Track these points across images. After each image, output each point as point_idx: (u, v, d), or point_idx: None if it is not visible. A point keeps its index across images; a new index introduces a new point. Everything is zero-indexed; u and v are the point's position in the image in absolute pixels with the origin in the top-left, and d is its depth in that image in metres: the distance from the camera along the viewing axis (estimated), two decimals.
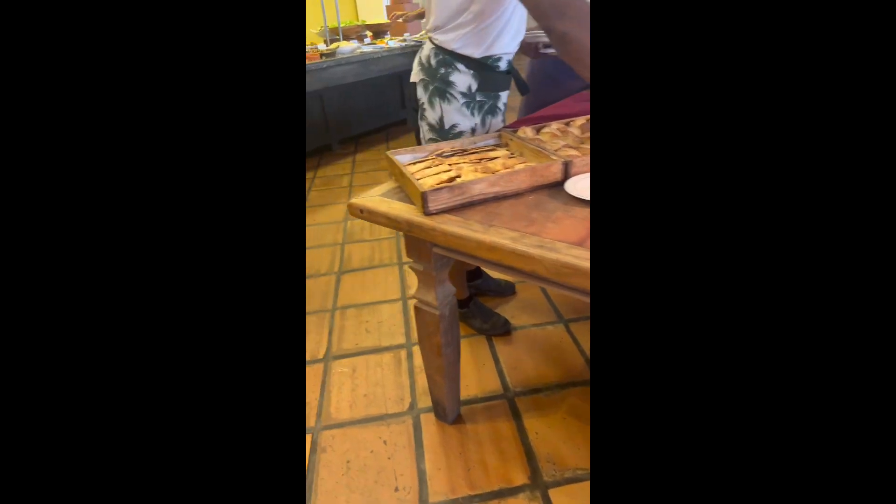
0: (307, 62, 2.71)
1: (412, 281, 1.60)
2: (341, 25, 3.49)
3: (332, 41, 3.39)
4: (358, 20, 4.38)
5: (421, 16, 3.15)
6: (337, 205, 2.31)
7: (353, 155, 3.09)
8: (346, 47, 3.02)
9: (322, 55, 2.84)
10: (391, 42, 3.34)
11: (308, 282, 1.65)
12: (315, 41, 3.80)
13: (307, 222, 2.15)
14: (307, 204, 2.35)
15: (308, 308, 1.50)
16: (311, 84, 2.71)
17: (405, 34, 3.97)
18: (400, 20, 3.40)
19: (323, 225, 2.10)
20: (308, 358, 1.28)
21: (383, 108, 3.53)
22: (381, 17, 5.32)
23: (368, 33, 3.77)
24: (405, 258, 1.74)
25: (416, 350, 1.26)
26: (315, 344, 1.33)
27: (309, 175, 2.77)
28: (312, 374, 1.22)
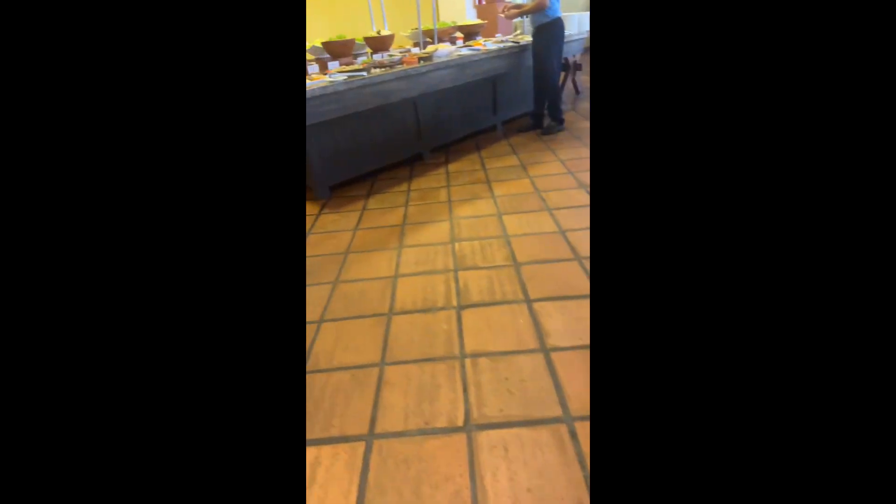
0: (406, 66, 2.54)
1: (549, 326, 1.34)
2: (429, 27, 3.33)
3: (416, 43, 3.23)
4: (439, 22, 4.22)
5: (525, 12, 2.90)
6: (439, 223, 2.11)
7: (445, 165, 2.89)
8: (443, 50, 2.83)
9: (420, 59, 2.67)
10: (487, 43, 3.12)
11: (425, 317, 1.45)
12: (404, 44, 3.67)
13: (409, 241, 1.96)
14: (406, 221, 2.17)
15: (432, 353, 1.29)
16: (409, 90, 2.54)
17: (497, 34, 3.74)
18: (502, 15, 3.16)
19: (429, 246, 1.90)
20: (445, 424, 1.06)
21: (474, 115, 3.31)
22: (463, 18, 5.14)
23: (459, 35, 3.58)
24: (533, 294, 1.49)
25: (580, 428, 1.01)
26: (450, 404, 1.12)
27: (402, 187, 2.60)
28: (454, 447, 1.00)
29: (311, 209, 2.42)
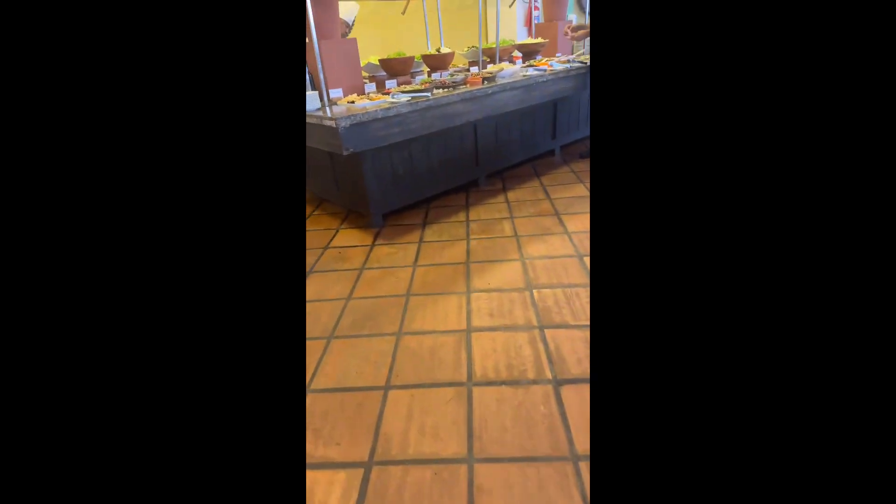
0: (469, 87, 2.34)
1: None
2: (486, 46, 3.13)
3: (471, 62, 3.03)
4: (486, 42, 4.03)
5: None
6: (509, 262, 1.87)
7: (504, 193, 2.66)
8: (507, 70, 2.62)
9: (483, 79, 2.46)
10: (553, 63, 2.90)
11: (516, 392, 1.19)
12: (457, 61, 3.49)
13: (478, 284, 1.72)
14: (470, 258, 1.94)
15: (534, 449, 1.03)
16: (473, 113, 2.33)
17: (557, 53, 3.52)
18: (567, 36, 2.94)
19: (502, 292, 1.65)
20: None
21: (533, 139, 3.08)
22: (513, 37, 4.96)
23: (516, 54, 3.38)
24: None
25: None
26: None
27: (459, 216, 2.37)
28: None
29: (364, 239, 2.21)
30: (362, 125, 1.91)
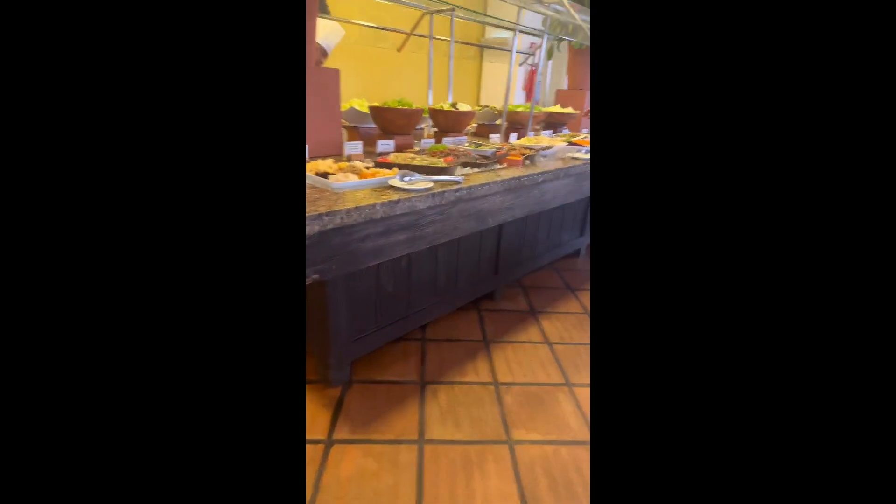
0: (507, 167, 1.51)
1: None
2: (518, 108, 2.37)
3: (479, 125, 2.26)
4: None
5: None
6: None
7: (534, 316, 1.79)
8: (554, 147, 1.84)
9: (524, 157, 1.65)
10: None
11: None
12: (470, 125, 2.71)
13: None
14: (526, 497, 1.01)
15: None
16: (513, 209, 1.48)
17: (583, 129, 2.85)
18: None
19: None
20: None
21: (560, 236, 2.29)
22: (510, 101, 4.35)
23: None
24: None
25: None
26: None
27: (479, 364, 1.46)
28: None
29: (315, 419, 1.22)
30: (344, 232, 0.98)
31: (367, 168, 1.28)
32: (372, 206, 0.99)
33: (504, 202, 1.43)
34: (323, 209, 0.91)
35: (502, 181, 1.36)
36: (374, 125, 1.95)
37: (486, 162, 1.52)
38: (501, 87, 4.55)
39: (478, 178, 1.34)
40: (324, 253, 0.95)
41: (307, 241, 0.91)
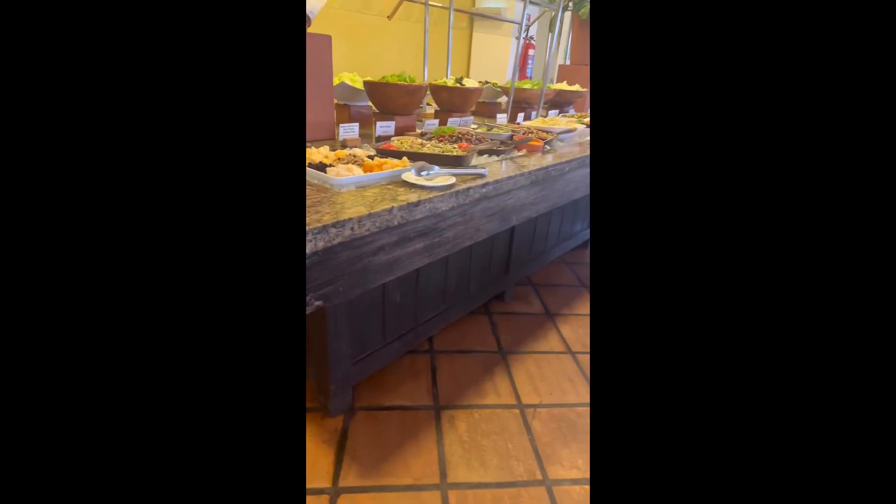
0: (528, 154, 1.31)
1: None
2: (527, 85, 2.14)
3: (513, 113, 2.03)
4: (531, 81, 3.04)
5: None
6: None
7: (551, 320, 1.62)
8: (573, 129, 1.64)
9: (544, 140, 1.44)
10: None
11: None
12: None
13: None
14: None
15: None
16: (538, 204, 1.29)
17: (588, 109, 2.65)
18: None
19: None
20: None
21: (571, 228, 2.12)
22: (502, 77, 4.09)
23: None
24: None
25: None
26: None
27: (499, 380, 1.28)
28: None
29: (316, 460, 1.02)
30: (353, 245, 0.77)
31: (371, 157, 1.06)
32: (388, 212, 0.78)
33: (528, 196, 1.23)
34: (328, 218, 0.69)
35: (529, 172, 1.16)
36: (366, 103, 1.70)
37: (505, 148, 1.31)
38: (494, 59, 4.28)
39: (497, 168, 1.13)
40: (329, 273, 0.74)
41: (307, 261, 0.69)
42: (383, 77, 1.45)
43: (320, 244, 0.68)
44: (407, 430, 1.11)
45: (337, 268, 0.75)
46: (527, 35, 3.99)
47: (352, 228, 0.72)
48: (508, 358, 1.42)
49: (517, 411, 1.20)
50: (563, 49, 4.15)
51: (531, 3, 3.44)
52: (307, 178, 0.90)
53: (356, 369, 1.16)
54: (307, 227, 0.65)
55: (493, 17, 3.38)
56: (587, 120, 2.06)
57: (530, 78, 4.29)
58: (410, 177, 0.93)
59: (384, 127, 1.38)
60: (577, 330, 1.60)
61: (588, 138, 1.73)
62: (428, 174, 0.93)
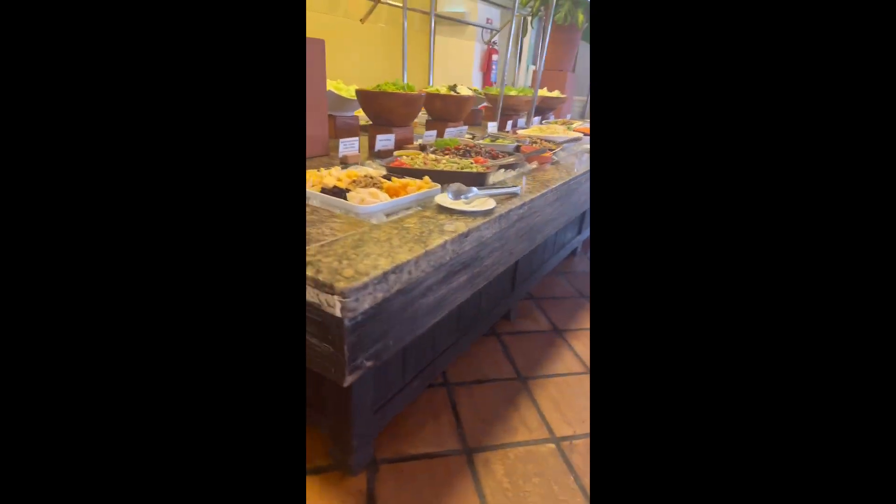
0: (538, 167, 1.24)
1: None
2: (515, 91, 2.05)
3: (502, 121, 1.94)
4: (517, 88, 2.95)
5: None
6: None
7: (562, 338, 1.55)
8: (572, 138, 1.59)
9: (551, 148, 1.37)
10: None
11: None
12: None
13: None
14: None
15: None
16: (558, 219, 1.21)
17: (567, 114, 2.64)
18: None
19: None
20: None
21: (564, 237, 2.07)
22: (468, 82, 4.03)
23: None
24: None
25: None
26: None
27: (529, 421, 1.19)
28: None
29: None
30: (405, 291, 0.64)
31: (386, 177, 0.93)
32: (442, 247, 0.66)
33: (552, 212, 1.15)
34: (385, 263, 0.56)
35: (556, 188, 1.07)
36: (352, 113, 1.56)
37: (517, 162, 1.22)
38: (457, 64, 4.20)
39: (519, 183, 1.04)
40: (381, 327, 0.61)
41: (359, 318, 0.56)
42: (378, 85, 1.32)
43: (379, 295, 0.55)
44: (440, 482, 0.99)
45: (388, 319, 0.62)
46: (490, 40, 3.96)
47: (409, 272, 0.60)
48: (529, 384, 1.33)
49: (553, 446, 1.11)
50: (526, 55, 4.15)
51: (496, 5, 3.40)
52: (325, 205, 0.76)
53: (378, 417, 1.02)
54: (364, 278, 0.53)
55: (457, 20, 3.31)
56: (575, 126, 2.03)
57: (495, 83, 4.27)
58: (446, 201, 0.81)
59: (384, 140, 1.25)
60: (588, 346, 1.54)
61: (585, 146, 1.68)
62: (467, 197, 0.82)
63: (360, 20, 2.15)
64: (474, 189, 0.84)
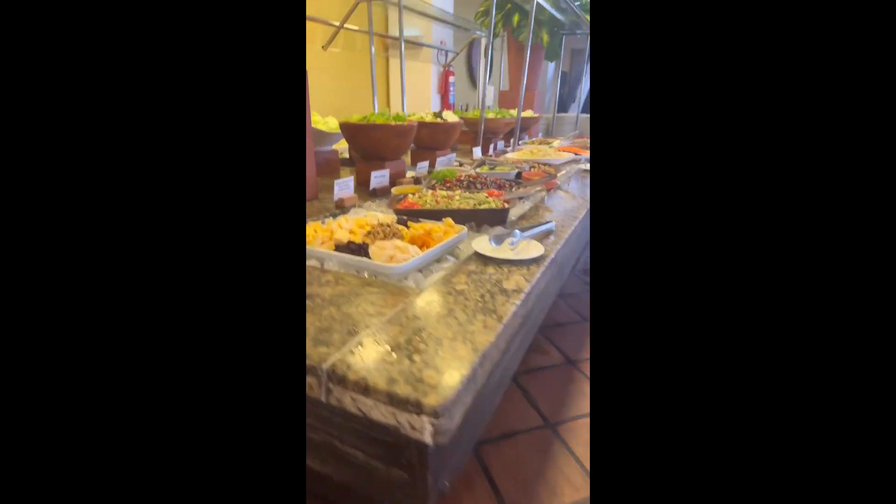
0: (547, 192, 1.15)
1: None
2: (490, 115, 1.97)
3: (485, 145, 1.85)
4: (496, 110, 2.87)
5: None
6: None
7: (581, 373, 1.45)
8: (571, 160, 1.52)
9: (551, 173, 1.28)
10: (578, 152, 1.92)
11: None
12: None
13: None
14: None
15: None
16: (574, 254, 1.11)
17: (538, 133, 2.62)
18: None
19: None
20: None
21: None
22: (427, 106, 3.97)
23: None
24: None
25: None
26: None
27: (568, 463, 1.06)
28: None
29: None
30: (475, 396, 0.50)
31: (400, 222, 0.80)
32: (514, 315, 0.53)
33: (575, 245, 1.05)
34: (465, 352, 0.43)
35: (582, 218, 0.98)
36: (331, 148, 1.41)
37: (525, 191, 1.12)
38: (415, 88, 4.13)
39: (540, 217, 0.94)
40: (459, 436, 0.47)
41: (437, 459, 0.42)
42: (366, 117, 1.19)
43: (468, 400, 0.41)
44: None
45: (466, 421, 0.48)
46: (448, 63, 3.93)
47: (491, 357, 0.46)
48: (559, 430, 1.21)
49: None
50: (484, 74, 4.14)
51: (452, 25, 3.36)
52: (346, 268, 0.62)
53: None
54: (453, 384, 0.39)
55: (414, 43, 3.25)
56: (556, 145, 1.98)
57: (453, 105, 4.23)
58: (488, 249, 0.69)
59: (379, 177, 1.12)
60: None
61: (583, 166, 1.62)
62: (513, 244, 0.70)
63: (322, 47, 2.02)
64: (517, 232, 0.73)
